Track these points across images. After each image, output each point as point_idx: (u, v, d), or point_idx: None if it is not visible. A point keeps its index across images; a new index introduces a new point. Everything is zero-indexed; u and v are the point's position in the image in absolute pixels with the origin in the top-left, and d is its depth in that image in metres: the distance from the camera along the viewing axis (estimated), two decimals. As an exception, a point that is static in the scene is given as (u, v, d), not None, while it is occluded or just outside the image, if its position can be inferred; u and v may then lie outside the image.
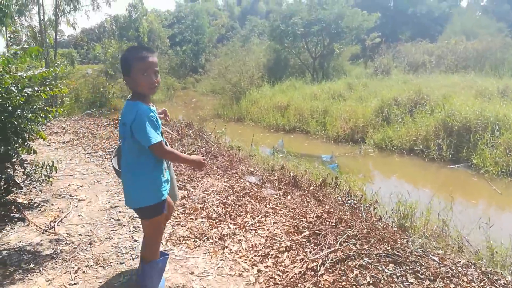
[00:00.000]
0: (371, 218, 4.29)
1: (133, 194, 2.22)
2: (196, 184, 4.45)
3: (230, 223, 3.37)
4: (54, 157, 6.07)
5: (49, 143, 7.10)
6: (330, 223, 3.44)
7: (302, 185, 4.69)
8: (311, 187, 4.73)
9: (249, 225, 3.33)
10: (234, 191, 4.16)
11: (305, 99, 15.33)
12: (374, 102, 13.03)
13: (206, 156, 5.52)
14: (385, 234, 3.50)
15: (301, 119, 13.94)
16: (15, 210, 3.66)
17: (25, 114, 3.57)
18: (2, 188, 3.67)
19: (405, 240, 3.70)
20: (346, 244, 3.04)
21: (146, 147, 2.05)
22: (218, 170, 4.94)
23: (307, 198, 4.20)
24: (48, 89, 3.77)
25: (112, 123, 8.51)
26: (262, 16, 36.76)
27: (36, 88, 3.71)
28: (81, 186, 4.50)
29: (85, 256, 2.89)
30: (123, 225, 3.46)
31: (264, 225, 3.34)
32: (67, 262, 2.80)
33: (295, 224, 3.36)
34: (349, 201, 4.83)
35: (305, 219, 3.48)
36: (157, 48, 26.04)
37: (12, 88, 3.49)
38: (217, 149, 6.03)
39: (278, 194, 4.19)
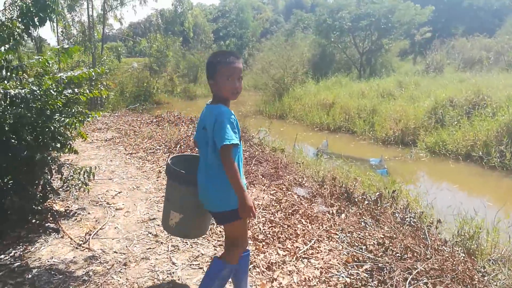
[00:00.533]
0: (435, 241, 3.77)
1: (217, 198, 2.15)
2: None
3: (279, 248, 2.98)
4: (95, 156, 5.96)
5: (92, 140, 7.04)
6: (394, 252, 2.97)
7: (356, 200, 4.21)
8: (366, 202, 4.25)
9: (301, 252, 2.92)
10: (281, 206, 3.77)
11: (352, 97, 14.62)
12: (427, 102, 12.15)
13: (250, 161, 5.15)
14: (458, 267, 2.99)
15: (347, 118, 13.29)
16: (51, 219, 3.47)
17: (63, 118, 3.36)
18: (39, 195, 3.49)
19: (481, 274, 3.17)
20: (416, 283, 2.57)
21: (219, 146, 1.99)
22: (263, 179, 4.56)
23: (363, 217, 3.73)
24: (88, 91, 3.54)
25: (155, 120, 8.37)
26: (307, 10, 35.88)
27: (76, 90, 3.50)
28: (119, 193, 4.28)
29: (118, 281, 2.61)
30: (161, 243, 3.16)
31: (318, 253, 2.92)
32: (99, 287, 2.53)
33: (354, 253, 2.92)
34: (407, 219, 4.31)
35: (365, 247, 3.03)
36: (201, 43, 26.03)
37: (51, 91, 3.28)
38: (261, 153, 5.66)
39: (331, 211, 3.74)
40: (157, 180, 4.72)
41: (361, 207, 4.02)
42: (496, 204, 7.29)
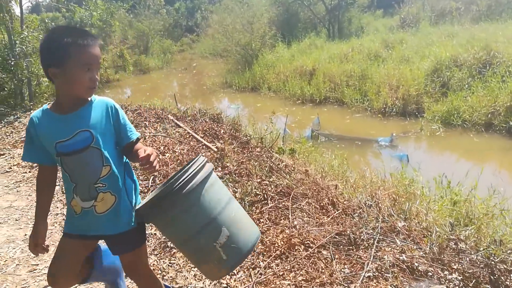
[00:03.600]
0: None
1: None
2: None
3: None
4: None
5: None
6: None
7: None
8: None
9: None
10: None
11: (334, 61, 12.77)
12: (427, 63, 10.53)
13: (288, 199, 3.16)
14: None
15: (333, 87, 11.47)
16: None
17: None
18: None
19: None
20: None
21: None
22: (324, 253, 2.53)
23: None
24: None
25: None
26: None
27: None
28: None
29: None
30: None
31: None
32: None
33: None
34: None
35: None
36: (148, 8, 22.78)
37: None
38: (290, 179, 3.62)
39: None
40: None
41: None
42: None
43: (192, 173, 1.45)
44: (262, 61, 14.62)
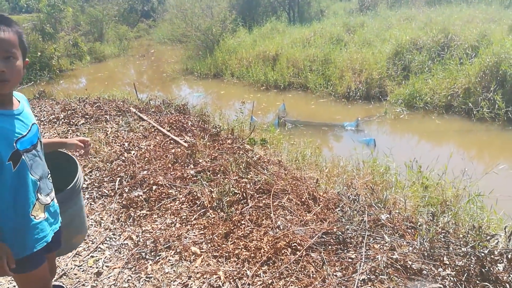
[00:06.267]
0: None
1: None
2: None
3: None
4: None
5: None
6: None
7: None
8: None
9: None
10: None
11: (296, 46, 12.64)
12: (388, 47, 10.64)
13: (268, 196, 2.99)
14: None
15: (297, 72, 11.37)
16: None
17: None
18: None
19: None
20: None
21: None
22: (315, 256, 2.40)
23: None
24: None
25: (62, 116, 5.60)
26: None
27: None
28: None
29: None
30: None
31: None
32: None
33: None
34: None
35: None
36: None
37: None
38: (269, 174, 3.45)
39: None
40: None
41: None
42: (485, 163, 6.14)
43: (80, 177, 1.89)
44: (223, 47, 14.24)
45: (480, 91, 8.03)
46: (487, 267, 2.22)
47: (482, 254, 2.29)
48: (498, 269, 2.26)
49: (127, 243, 2.56)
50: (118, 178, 3.34)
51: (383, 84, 9.78)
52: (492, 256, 2.34)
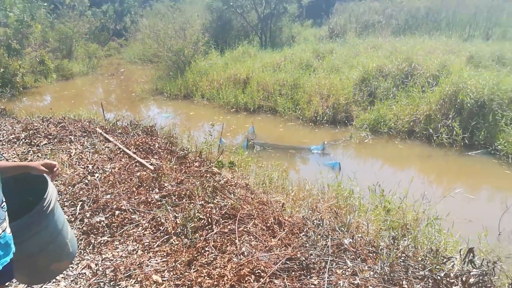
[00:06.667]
0: None
1: None
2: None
3: None
4: None
5: None
6: None
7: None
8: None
9: None
10: None
11: (267, 70, 12.88)
12: (355, 73, 11.02)
13: (234, 221, 2.97)
14: None
15: (267, 95, 11.55)
16: None
17: None
18: None
19: None
20: None
21: None
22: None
23: None
24: None
25: (23, 135, 5.42)
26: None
27: None
28: None
29: None
30: None
31: None
32: None
33: None
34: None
35: None
36: (73, 9, 21.31)
37: None
38: (235, 199, 3.45)
39: None
40: None
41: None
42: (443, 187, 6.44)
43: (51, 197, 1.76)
44: (195, 68, 14.32)
45: (440, 118, 8.41)
46: (443, 291, 2.29)
47: (439, 277, 2.38)
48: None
49: (85, 273, 2.48)
50: (80, 203, 3.26)
51: (349, 109, 10.07)
52: (448, 279, 2.42)
